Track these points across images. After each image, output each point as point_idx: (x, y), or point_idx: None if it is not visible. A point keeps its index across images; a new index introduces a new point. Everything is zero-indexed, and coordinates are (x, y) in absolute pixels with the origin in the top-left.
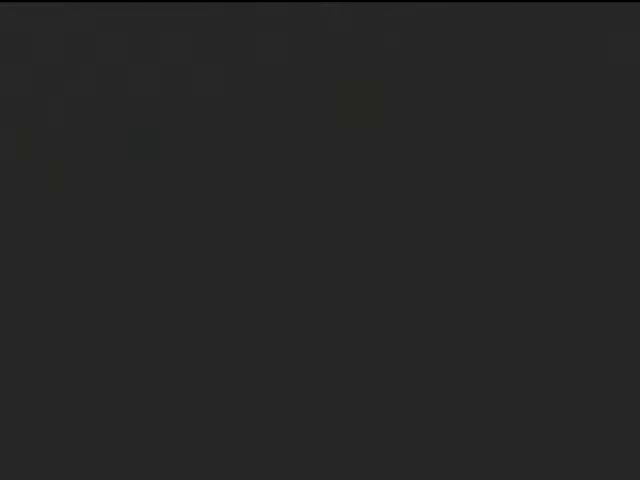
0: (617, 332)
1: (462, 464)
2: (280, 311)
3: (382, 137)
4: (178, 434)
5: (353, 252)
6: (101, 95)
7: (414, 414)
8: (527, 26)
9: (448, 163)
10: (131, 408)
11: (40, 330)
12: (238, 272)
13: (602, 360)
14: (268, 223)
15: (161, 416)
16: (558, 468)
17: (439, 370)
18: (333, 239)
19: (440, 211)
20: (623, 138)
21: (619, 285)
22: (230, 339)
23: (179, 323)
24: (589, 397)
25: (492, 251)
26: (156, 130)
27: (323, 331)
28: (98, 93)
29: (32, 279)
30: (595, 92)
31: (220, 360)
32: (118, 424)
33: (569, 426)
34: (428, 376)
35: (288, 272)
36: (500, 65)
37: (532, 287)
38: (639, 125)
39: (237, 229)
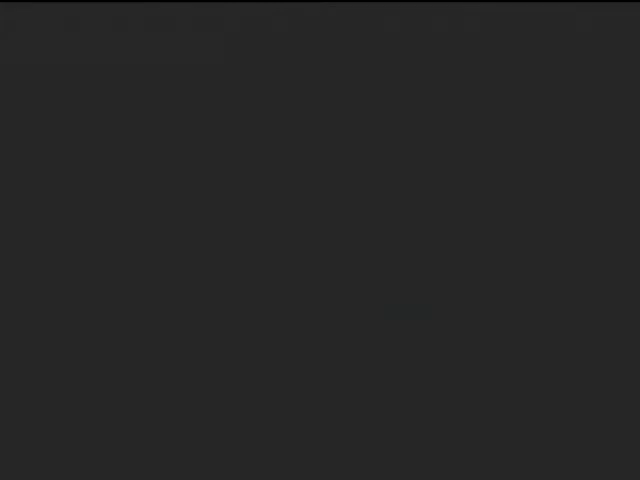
0: (617, 333)
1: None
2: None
3: (382, 136)
4: (176, 434)
5: (353, 254)
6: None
7: (413, 414)
8: (527, 27)
9: (448, 163)
10: (130, 408)
11: (39, 330)
12: (238, 274)
13: (602, 360)
14: (268, 225)
15: (160, 416)
16: (558, 468)
17: (439, 370)
18: (332, 240)
19: (440, 211)
20: (622, 138)
21: (619, 285)
22: (228, 338)
23: (178, 321)
24: (589, 397)
25: (491, 250)
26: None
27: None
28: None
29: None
30: (595, 93)
31: (219, 359)
32: (117, 424)
33: (569, 426)
34: (428, 376)
35: (288, 276)
36: (500, 65)
37: (531, 287)
38: (638, 125)
39: (236, 230)
